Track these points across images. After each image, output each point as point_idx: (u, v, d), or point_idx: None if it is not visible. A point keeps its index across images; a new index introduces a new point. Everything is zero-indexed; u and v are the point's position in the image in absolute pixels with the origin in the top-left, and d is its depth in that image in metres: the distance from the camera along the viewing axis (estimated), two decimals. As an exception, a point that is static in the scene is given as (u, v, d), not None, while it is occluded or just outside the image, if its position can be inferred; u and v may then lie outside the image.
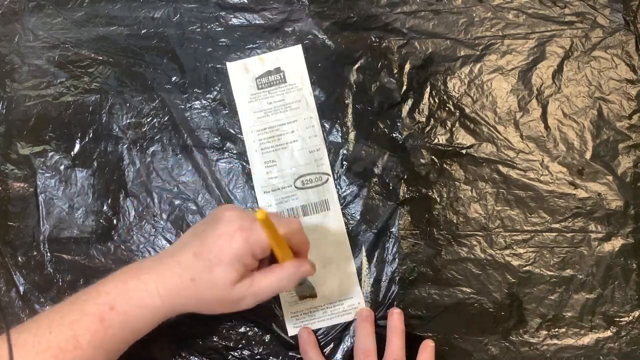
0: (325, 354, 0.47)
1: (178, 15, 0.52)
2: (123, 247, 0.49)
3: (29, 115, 0.51)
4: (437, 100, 0.51)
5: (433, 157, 0.50)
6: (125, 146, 0.50)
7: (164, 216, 0.49)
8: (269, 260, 0.42)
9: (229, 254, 0.37)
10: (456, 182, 0.49)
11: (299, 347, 0.47)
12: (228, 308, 0.40)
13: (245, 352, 0.47)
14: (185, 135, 0.51)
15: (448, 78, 0.51)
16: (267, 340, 0.48)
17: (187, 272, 0.38)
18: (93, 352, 0.37)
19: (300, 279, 0.41)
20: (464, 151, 0.50)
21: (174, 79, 0.52)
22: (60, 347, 0.36)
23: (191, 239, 0.40)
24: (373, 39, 0.52)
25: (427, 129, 0.50)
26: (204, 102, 0.51)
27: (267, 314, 0.48)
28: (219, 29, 0.52)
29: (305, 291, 0.47)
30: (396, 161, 0.50)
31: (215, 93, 0.51)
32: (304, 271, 0.40)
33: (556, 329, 0.47)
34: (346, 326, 0.48)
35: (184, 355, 0.47)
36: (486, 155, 0.50)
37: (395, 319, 0.46)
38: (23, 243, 0.49)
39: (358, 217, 0.49)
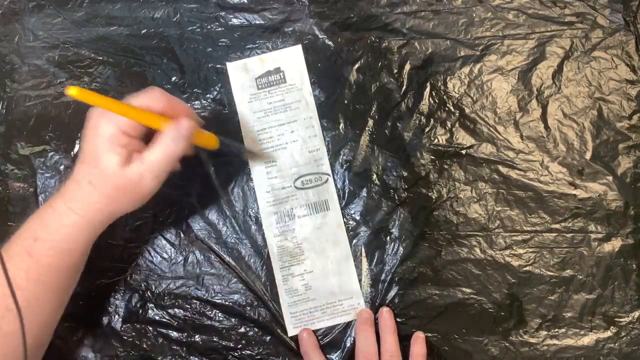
0: (326, 354, 0.47)
1: (178, 15, 0.52)
2: (123, 247, 0.49)
3: (29, 115, 0.51)
4: (437, 101, 0.51)
5: (433, 157, 0.50)
6: (125, 146, 0.50)
7: (164, 216, 0.49)
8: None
9: (102, 143, 0.38)
10: (456, 183, 0.49)
11: (300, 349, 0.47)
12: (133, 195, 0.40)
13: (245, 352, 0.47)
14: (185, 135, 0.51)
15: (448, 78, 0.51)
16: (267, 340, 0.48)
17: (82, 179, 0.39)
18: (34, 288, 0.38)
19: (186, 136, 0.40)
20: (463, 151, 0.50)
21: (174, 79, 0.52)
22: None
23: (79, 153, 0.41)
24: (373, 39, 0.52)
25: (427, 129, 0.50)
26: (204, 102, 0.51)
27: (267, 314, 0.48)
28: (219, 29, 0.52)
29: (236, 148, 0.48)
30: (396, 161, 0.50)
31: (215, 93, 0.51)
32: (183, 127, 0.39)
33: (556, 330, 0.47)
34: (346, 326, 0.48)
35: (184, 355, 0.47)
36: (486, 156, 0.50)
37: (386, 318, 0.47)
38: (23, 243, 0.49)
39: (358, 217, 0.49)
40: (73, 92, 0.34)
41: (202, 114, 0.51)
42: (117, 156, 0.38)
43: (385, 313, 0.47)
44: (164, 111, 0.40)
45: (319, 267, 0.49)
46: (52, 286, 0.40)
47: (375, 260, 0.49)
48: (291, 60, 0.52)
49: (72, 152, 0.50)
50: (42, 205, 0.41)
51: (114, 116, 0.38)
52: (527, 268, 0.48)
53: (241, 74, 0.52)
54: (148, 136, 0.41)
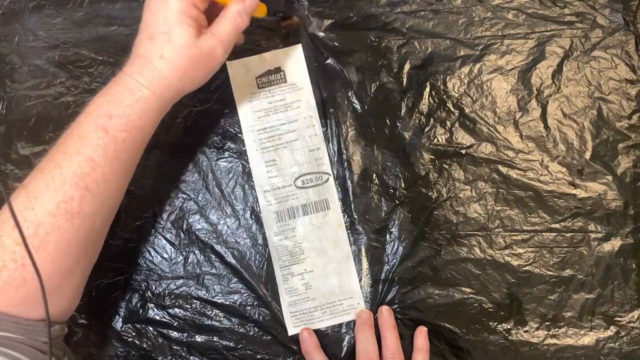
0: (326, 354, 0.47)
1: (178, 15, 0.52)
2: (123, 247, 0.49)
3: (29, 116, 0.51)
4: (436, 100, 0.51)
5: (433, 156, 0.50)
6: (125, 146, 0.50)
7: (164, 216, 0.49)
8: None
9: (174, 16, 0.38)
10: (456, 182, 0.49)
11: (301, 348, 0.47)
12: (206, 67, 0.41)
13: (246, 352, 0.48)
14: (185, 134, 0.51)
15: (448, 78, 0.51)
16: (267, 340, 0.48)
17: (152, 54, 0.39)
18: (111, 165, 0.38)
19: (250, 11, 0.42)
20: (463, 151, 0.50)
21: (174, 78, 0.51)
22: (77, 174, 0.37)
23: (140, 32, 0.40)
24: (373, 39, 0.52)
25: (427, 128, 0.50)
26: (204, 101, 0.51)
27: (267, 314, 0.48)
28: (219, 28, 0.52)
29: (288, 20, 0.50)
30: (396, 161, 0.50)
31: (215, 92, 0.51)
32: (249, 3, 0.41)
33: (556, 329, 0.47)
34: (346, 326, 0.48)
35: (184, 355, 0.47)
36: (486, 155, 0.50)
37: (386, 316, 0.47)
38: (23, 243, 0.49)
39: (358, 217, 0.49)
40: None
41: (203, 113, 0.51)
42: (191, 28, 0.39)
43: (385, 311, 0.47)
44: None
45: (319, 266, 0.49)
46: (127, 162, 0.40)
47: (375, 260, 0.49)
48: (292, 59, 0.52)
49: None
50: (107, 85, 0.40)
51: None
52: (526, 268, 0.48)
53: (241, 73, 0.52)
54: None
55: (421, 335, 0.47)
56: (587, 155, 0.49)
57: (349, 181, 0.50)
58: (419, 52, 0.51)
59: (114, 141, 0.38)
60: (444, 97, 0.51)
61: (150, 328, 0.48)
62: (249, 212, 0.50)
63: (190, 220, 0.49)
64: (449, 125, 0.50)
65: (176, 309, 0.48)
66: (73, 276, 0.38)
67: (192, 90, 0.42)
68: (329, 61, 0.52)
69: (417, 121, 0.50)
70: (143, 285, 0.49)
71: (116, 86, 0.39)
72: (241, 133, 0.51)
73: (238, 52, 0.52)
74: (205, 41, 0.40)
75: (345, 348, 0.48)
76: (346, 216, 0.49)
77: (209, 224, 0.49)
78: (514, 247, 0.48)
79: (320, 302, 0.48)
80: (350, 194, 0.50)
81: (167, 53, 0.39)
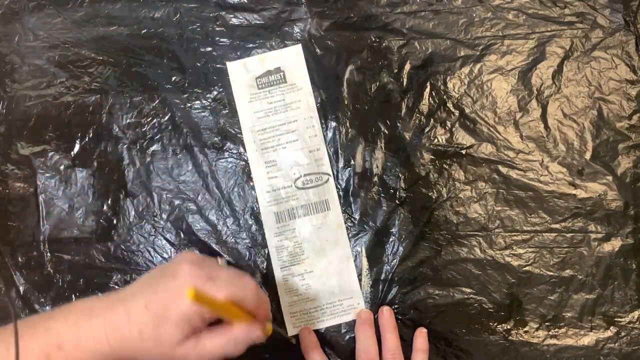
0: (326, 353, 0.47)
1: (178, 15, 0.52)
2: (123, 247, 0.49)
3: (29, 115, 0.51)
4: (437, 101, 0.51)
5: (433, 157, 0.50)
6: (125, 146, 0.50)
7: (164, 216, 0.49)
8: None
9: (177, 313, 0.36)
10: (456, 182, 0.49)
11: (301, 348, 0.47)
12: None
13: (245, 352, 0.47)
14: (185, 135, 0.51)
15: (448, 78, 0.51)
16: (267, 340, 0.48)
17: (135, 325, 0.36)
18: None
19: (249, 344, 0.38)
20: (463, 151, 0.50)
21: (174, 78, 0.52)
22: None
23: (145, 287, 0.38)
24: (373, 39, 0.52)
25: (427, 129, 0.50)
26: (204, 102, 0.51)
27: (267, 314, 0.48)
28: (219, 28, 0.52)
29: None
30: (396, 161, 0.50)
31: (215, 93, 0.51)
32: (254, 338, 0.38)
33: (556, 329, 0.47)
34: (346, 325, 0.48)
35: (184, 355, 0.47)
36: (486, 156, 0.50)
37: (386, 316, 0.47)
38: (23, 243, 0.49)
39: (358, 217, 0.49)
40: (190, 296, 0.31)
41: (202, 113, 0.51)
42: (181, 334, 0.36)
43: (386, 311, 0.47)
44: (249, 306, 0.38)
45: (319, 267, 0.49)
46: None
47: (375, 261, 0.49)
48: (291, 60, 0.52)
49: (72, 152, 0.50)
50: (83, 308, 0.38)
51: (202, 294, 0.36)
52: (527, 268, 0.48)
53: (241, 73, 0.52)
54: None
55: (421, 336, 0.47)
56: (588, 155, 0.49)
57: (349, 182, 0.50)
58: (419, 52, 0.51)
59: None
60: (444, 97, 0.51)
61: (150, 328, 0.48)
62: (248, 212, 0.50)
63: (190, 220, 0.49)
64: (449, 125, 0.50)
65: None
66: None
67: None
68: (329, 62, 0.52)
69: (417, 121, 0.50)
70: (143, 285, 0.49)
71: (86, 324, 0.37)
72: (241, 133, 0.51)
73: (237, 53, 0.52)
74: (184, 348, 0.36)
75: (345, 348, 0.48)
76: (346, 216, 0.49)
77: (208, 224, 0.49)
78: (514, 248, 0.48)
79: (320, 302, 0.48)
80: (351, 194, 0.50)
81: (146, 335, 0.36)
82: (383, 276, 0.48)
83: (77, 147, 0.51)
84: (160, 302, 0.36)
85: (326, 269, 0.49)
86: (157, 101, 0.51)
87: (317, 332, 0.48)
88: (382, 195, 0.50)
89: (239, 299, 0.37)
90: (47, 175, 0.50)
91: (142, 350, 0.37)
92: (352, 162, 0.50)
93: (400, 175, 0.50)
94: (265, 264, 0.49)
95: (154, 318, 0.36)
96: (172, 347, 0.36)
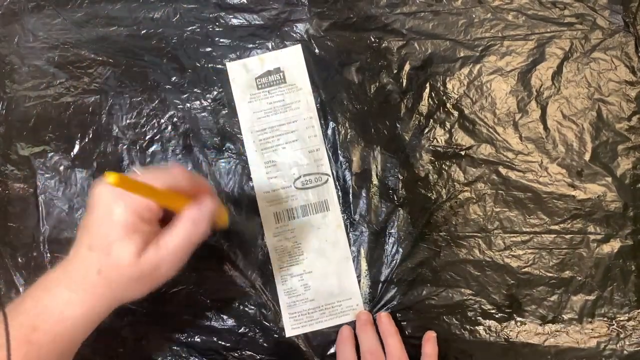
0: (326, 355, 0.47)
1: (178, 16, 0.52)
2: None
3: (29, 116, 0.51)
4: (436, 101, 0.51)
5: (432, 158, 0.50)
6: (125, 147, 0.51)
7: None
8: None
9: (117, 230, 0.34)
10: (455, 183, 0.49)
11: (337, 341, 0.47)
12: (147, 283, 0.37)
13: (245, 353, 0.48)
14: (185, 135, 0.51)
15: (447, 79, 0.51)
16: (266, 340, 0.48)
17: (90, 267, 0.35)
18: None
19: (208, 217, 0.37)
20: (463, 152, 0.50)
21: (173, 79, 0.52)
22: None
23: (81, 234, 0.37)
24: (372, 40, 0.52)
25: (427, 129, 0.50)
26: (204, 102, 0.51)
27: (266, 314, 0.48)
28: (219, 29, 0.52)
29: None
30: (395, 162, 0.50)
31: (215, 93, 0.51)
32: (206, 208, 0.37)
33: (556, 331, 0.47)
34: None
35: (184, 355, 0.47)
36: (485, 157, 0.50)
37: (386, 323, 0.46)
38: (23, 244, 0.49)
39: (357, 218, 0.49)
40: (111, 180, 0.30)
41: (202, 114, 0.51)
42: (133, 245, 0.35)
43: (384, 317, 0.47)
44: (188, 191, 0.37)
45: (318, 267, 0.49)
46: None
47: (374, 261, 0.49)
48: (291, 60, 0.52)
49: (72, 153, 0.50)
50: (40, 284, 0.37)
51: (129, 198, 0.35)
52: (526, 269, 0.48)
53: (241, 73, 0.52)
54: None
55: (429, 341, 0.46)
56: (587, 156, 0.49)
57: (348, 182, 0.50)
58: (419, 53, 0.51)
59: (37, 352, 0.35)
60: (444, 98, 0.51)
61: (151, 328, 0.48)
62: (248, 212, 0.50)
63: (190, 220, 0.49)
64: (448, 126, 0.50)
65: (176, 309, 0.48)
66: None
67: (136, 299, 0.38)
68: (328, 62, 0.52)
69: (416, 122, 0.50)
70: (142, 285, 0.49)
71: (47, 294, 0.36)
72: (241, 134, 0.51)
73: (237, 53, 0.52)
74: (148, 257, 0.35)
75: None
76: (345, 217, 0.49)
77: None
78: (513, 249, 0.48)
79: (319, 303, 0.48)
80: (350, 195, 0.50)
81: (105, 269, 0.35)
82: (382, 277, 0.48)
83: (76, 148, 0.51)
84: (97, 233, 0.35)
85: (325, 269, 0.49)
86: (156, 101, 0.51)
87: (316, 332, 0.48)
88: (382, 196, 0.50)
89: (173, 185, 0.36)
90: (47, 175, 0.50)
91: (111, 286, 0.36)
92: (352, 162, 0.50)
93: (399, 176, 0.50)
94: (264, 265, 0.49)
95: (101, 250, 0.35)
96: (134, 262, 0.35)
